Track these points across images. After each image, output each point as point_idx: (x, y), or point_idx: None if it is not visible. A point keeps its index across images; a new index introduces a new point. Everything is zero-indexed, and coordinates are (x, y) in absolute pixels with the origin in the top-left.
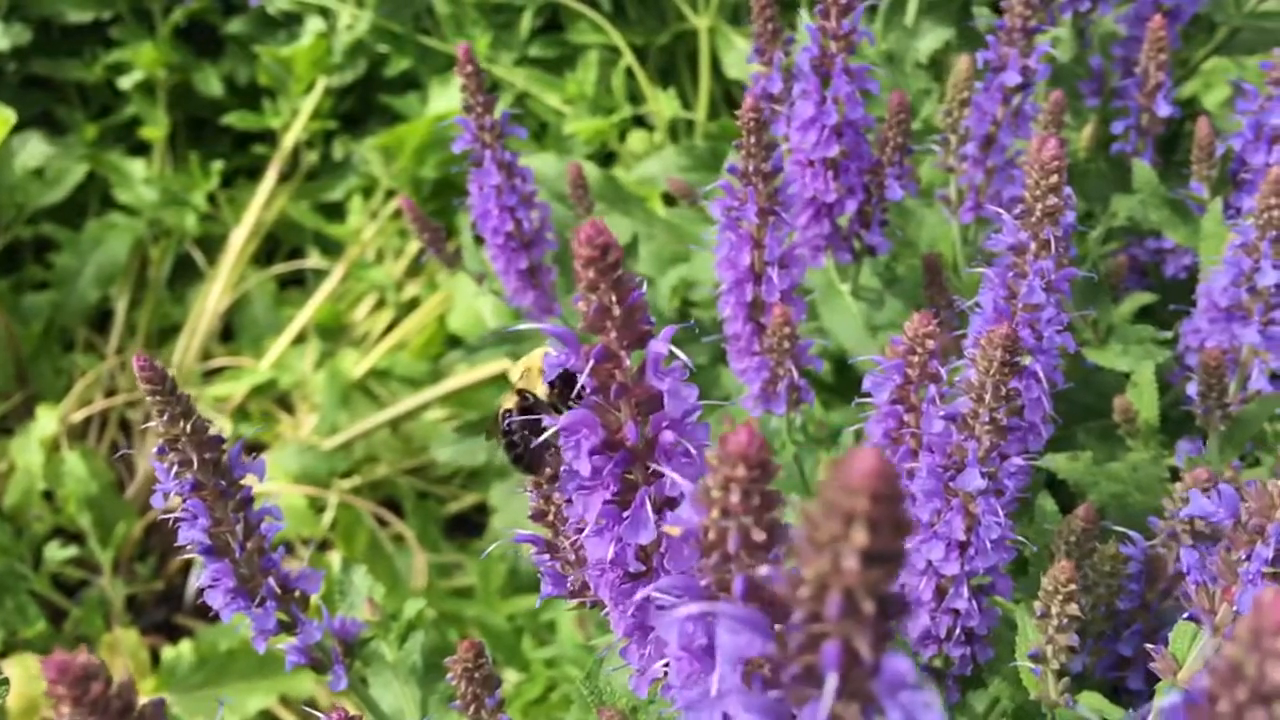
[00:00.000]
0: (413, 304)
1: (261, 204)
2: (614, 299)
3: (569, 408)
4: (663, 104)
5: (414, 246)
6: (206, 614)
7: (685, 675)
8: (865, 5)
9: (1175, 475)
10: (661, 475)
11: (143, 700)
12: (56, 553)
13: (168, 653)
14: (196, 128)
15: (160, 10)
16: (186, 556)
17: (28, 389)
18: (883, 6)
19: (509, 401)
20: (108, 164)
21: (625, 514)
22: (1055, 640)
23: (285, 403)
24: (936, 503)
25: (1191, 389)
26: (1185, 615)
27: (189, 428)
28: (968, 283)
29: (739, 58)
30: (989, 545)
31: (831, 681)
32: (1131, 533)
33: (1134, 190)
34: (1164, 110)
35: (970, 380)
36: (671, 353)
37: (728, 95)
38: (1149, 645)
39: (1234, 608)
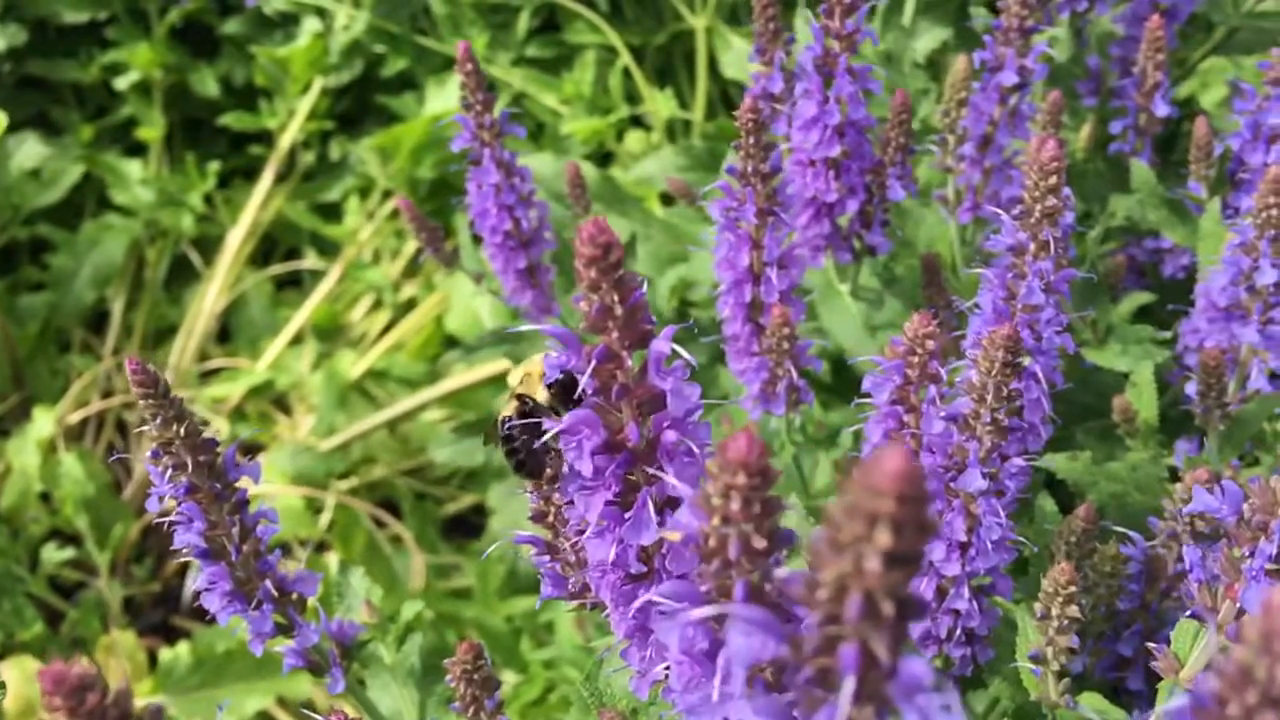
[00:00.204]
0: (410, 305)
1: (258, 205)
2: (616, 299)
3: (569, 411)
4: (660, 104)
5: (411, 247)
6: (204, 616)
7: (686, 680)
8: (868, 5)
9: (1174, 475)
10: (663, 476)
11: (140, 704)
12: (53, 554)
13: (165, 654)
14: (193, 128)
15: (156, 10)
16: (183, 558)
17: (24, 390)
18: (880, 6)
19: (508, 408)
20: (104, 165)
21: (627, 515)
22: (1056, 641)
23: (282, 404)
24: (937, 504)
25: (1190, 389)
26: (1187, 614)
27: (183, 431)
28: (966, 283)
29: (736, 58)
30: (990, 546)
31: (849, 684)
32: (1131, 533)
33: (1132, 190)
34: (1162, 110)
35: (971, 381)
36: (674, 351)
37: (725, 95)
38: (1150, 645)
39: (1237, 605)
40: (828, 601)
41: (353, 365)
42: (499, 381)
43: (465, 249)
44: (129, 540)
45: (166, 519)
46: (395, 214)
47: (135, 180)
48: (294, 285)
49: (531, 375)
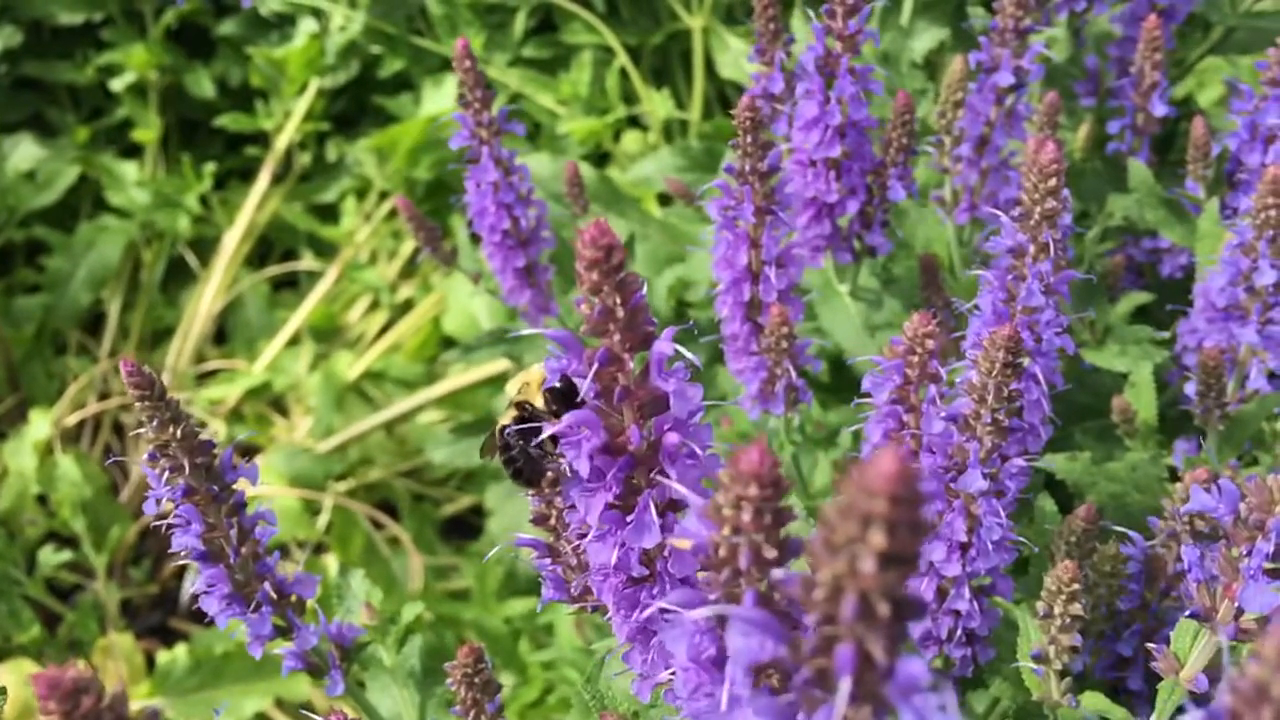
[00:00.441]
0: (407, 306)
1: (254, 206)
2: (618, 301)
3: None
4: (657, 104)
5: (408, 248)
6: (201, 617)
7: (693, 687)
8: (870, 6)
9: (1174, 475)
10: (665, 478)
11: (137, 707)
12: (50, 557)
13: (163, 657)
14: (189, 130)
15: (152, 12)
16: (181, 561)
17: (20, 393)
18: (878, 6)
19: (507, 417)
20: (100, 166)
21: (628, 518)
22: (1058, 640)
23: (279, 405)
24: (938, 504)
25: (1190, 389)
26: (1187, 613)
27: (179, 433)
28: (964, 284)
29: (733, 58)
30: (990, 546)
31: (845, 685)
32: (1131, 532)
33: (1130, 190)
34: (1160, 110)
35: (972, 381)
36: (677, 352)
37: (722, 95)
38: (1149, 645)
39: (1235, 604)
40: (824, 602)
41: (350, 366)
42: (497, 382)
43: (463, 248)
44: (126, 542)
45: (164, 521)
46: (392, 215)
47: (131, 182)
48: (291, 286)
49: (530, 384)
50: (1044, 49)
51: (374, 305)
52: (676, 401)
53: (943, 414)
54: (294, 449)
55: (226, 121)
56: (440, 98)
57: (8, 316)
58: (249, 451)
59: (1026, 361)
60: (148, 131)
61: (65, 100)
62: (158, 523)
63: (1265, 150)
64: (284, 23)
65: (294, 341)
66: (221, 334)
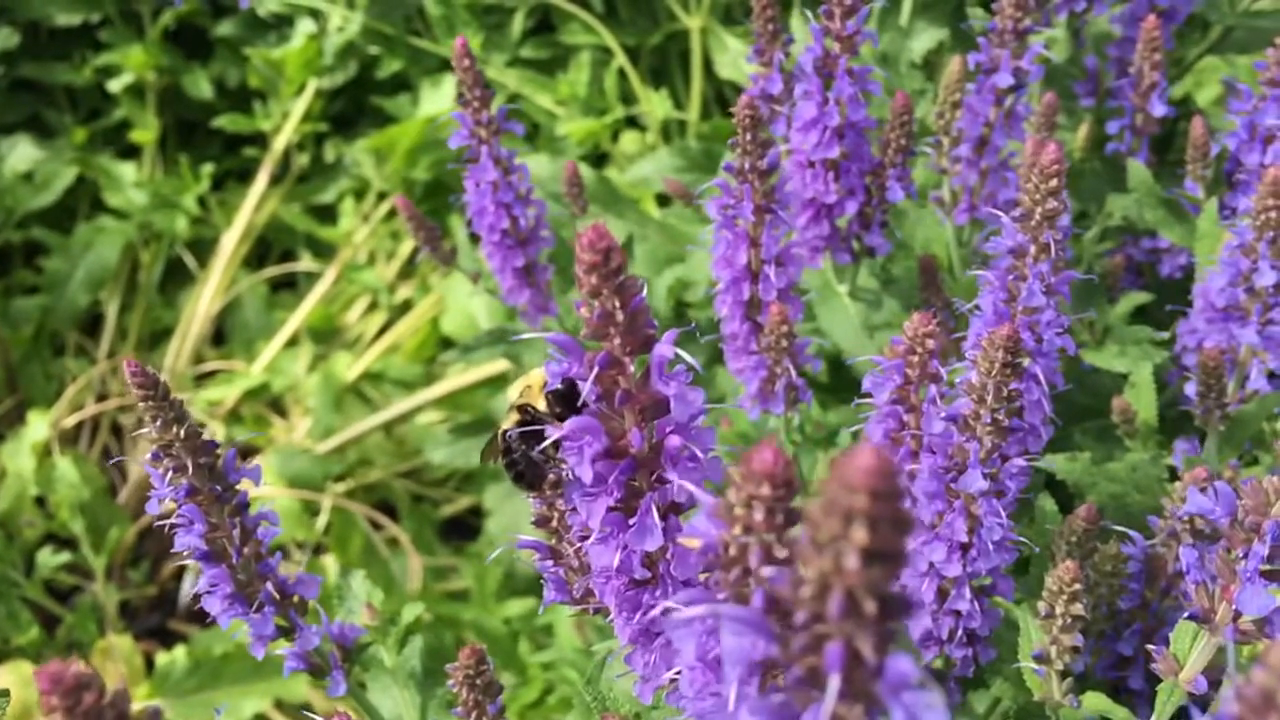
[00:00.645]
0: (406, 307)
1: (252, 207)
2: (618, 304)
3: (571, 418)
4: (655, 104)
5: (406, 249)
6: (200, 619)
7: (699, 686)
8: (868, 7)
9: (1174, 475)
10: (666, 481)
11: (138, 707)
12: (49, 559)
13: (162, 658)
14: (186, 131)
15: (149, 13)
16: (180, 562)
17: (18, 394)
18: (877, 6)
19: (508, 421)
20: (97, 167)
21: (631, 521)
22: (1060, 640)
23: (278, 406)
24: (938, 504)
25: (1190, 389)
26: (1186, 615)
27: (182, 433)
28: (963, 284)
29: (732, 58)
30: (991, 546)
31: (834, 683)
32: (1132, 532)
33: (1129, 190)
34: (1159, 110)
35: (972, 381)
36: (677, 355)
37: (720, 96)
38: (1149, 647)
39: (1233, 607)
40: (812, 600)
41: (348, 367)
42: (496, 383)
43: (462, 248)
44: (125, 544)
45: (165, 522)
46: (390, 216)
47: (129, 183)
48: (289, 287)
49: (532, 387)
50: (1043, 50)
51: (372, 306)
52: (678, 405)
53: (943, 414)
54: (292, 450)
55: (224, 122)
56: (438, 98)
57: (6, 318)
58: (247, 453)
59: (1026, 361)
60: (145, 132)
61: (63, 101)
62: (160, 523)
63: (1264, 150)
64: (282, 23)
65: (292, 342)
66: (220, 335)
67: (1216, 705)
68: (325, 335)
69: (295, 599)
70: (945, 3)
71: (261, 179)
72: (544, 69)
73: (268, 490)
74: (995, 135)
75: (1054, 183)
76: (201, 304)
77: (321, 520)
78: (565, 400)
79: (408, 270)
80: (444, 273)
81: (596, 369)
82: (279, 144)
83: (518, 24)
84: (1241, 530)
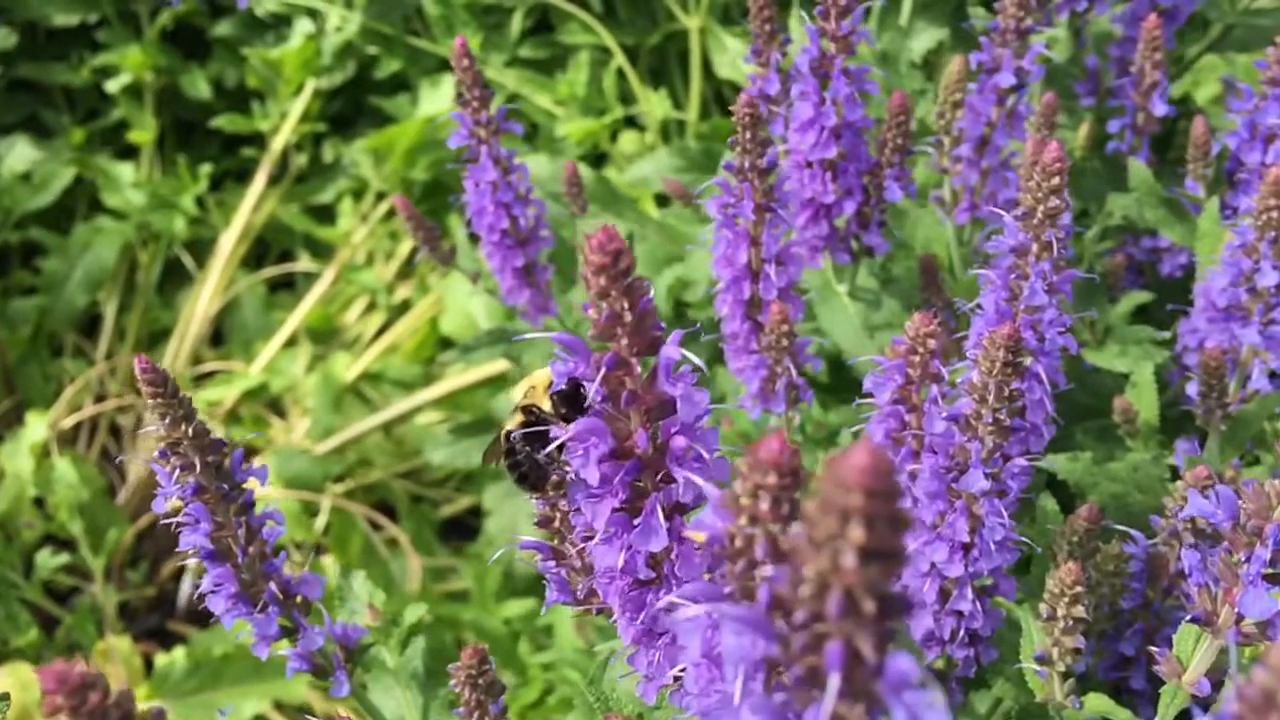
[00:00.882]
0: (404, 307)
1: (251, 207)
2: (625, 305)
3: (576, 418)
4: (654, 104)
5: (405, 249)
6: (200, 619)
7: (704, 682)
8: (863, 6)
9: (1175, 475)
10: (671, 481)
11: (143, 708)
12: (48, 560)
13: (161, 659)
14: (185, 131)
15: (147, 13)
16: (179, 562)
17: (16, 395)
18: (877, 6)
19: (513, 422)
20: (95, 168)
21: (635, 522)
22: (1061, 642)
23: (277, 407)
24: (940, 504)
25: (1191, 389)
26: (1188, 617)
27: (190, 431)
28: (964, 284)
29: (730, 58)
30: (993, 546)
31: (834, 682)
32: (1133, 532)
33: (1130, 189)
34: (1160, 109)
35: (973, 381)
36: (684, 356)
37: (719, 95)
38: (1152, 649)
39: (1235, 610)
40: (810, 599)
41: (347, 368)
42: (495, 383)
43: (462, 248)
44: (124, 545)
45: (169, 521)
46: (389, 216)
47: (127, 183)
48: (288, 288)
49: (536, 388)
50: (1045, 49)
51: (371, 306)
52: (684, 406)
53: (945, 414)
54: (292, 450)
55: (222, 123)
56: (437, 98)
57: (3, 319)
58: (246, 453)
59: (1028, 360)
60: (143, 133)
61: (60, 102)
62: (166, 521)
63: (1265, 149)
64: (280, 24)
65: (291, 343)
66: (218, 335)
67: (1218, 706)
68: (324, 335)
69: (299, 599)
70: (945, 2)
71: (260, 179)
72: (543, 69)
73: (267, 490)
74: (996, 135)
75: (1056, 181)
76: (200, 304)
77: (321, 521)
78: (571, 401)
79: (406, 270)
80: (443, 273)
81: (604, 369)
82: (277, 144)
83: (516, 24)
84: (1244, 534)
